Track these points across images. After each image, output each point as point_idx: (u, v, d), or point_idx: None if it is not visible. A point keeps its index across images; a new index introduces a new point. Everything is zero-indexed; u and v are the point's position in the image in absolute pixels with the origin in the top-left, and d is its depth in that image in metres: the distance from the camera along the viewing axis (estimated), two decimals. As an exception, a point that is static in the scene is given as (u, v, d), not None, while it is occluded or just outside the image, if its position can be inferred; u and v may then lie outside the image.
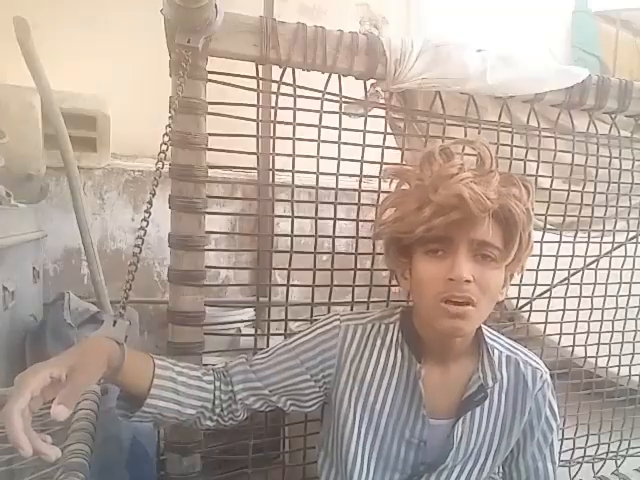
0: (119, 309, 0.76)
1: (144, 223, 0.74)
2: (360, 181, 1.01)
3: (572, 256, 1.19)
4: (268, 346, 0.87)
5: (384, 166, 0.99)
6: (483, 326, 0.79)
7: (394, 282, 1.05)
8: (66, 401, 0.52)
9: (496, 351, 0.78)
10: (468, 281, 0.65)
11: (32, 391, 0.51)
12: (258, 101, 0.92)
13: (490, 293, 0.68)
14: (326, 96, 0.94)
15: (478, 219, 0.65)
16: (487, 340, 0.78)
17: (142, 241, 0.75)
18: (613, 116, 1.16)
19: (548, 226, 1.15)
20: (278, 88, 0.91)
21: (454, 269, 0.65)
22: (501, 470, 0.87)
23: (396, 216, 0.72)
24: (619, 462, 1.38)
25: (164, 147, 0.76)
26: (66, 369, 0.55)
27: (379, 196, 1.02)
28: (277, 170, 0.95)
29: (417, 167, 0.73)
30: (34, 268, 1.48)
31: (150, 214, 0.75)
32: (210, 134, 0.87)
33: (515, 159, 1.07)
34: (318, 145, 0.95)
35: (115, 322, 0.70)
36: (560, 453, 1.28)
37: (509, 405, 0.78)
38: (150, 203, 0.75)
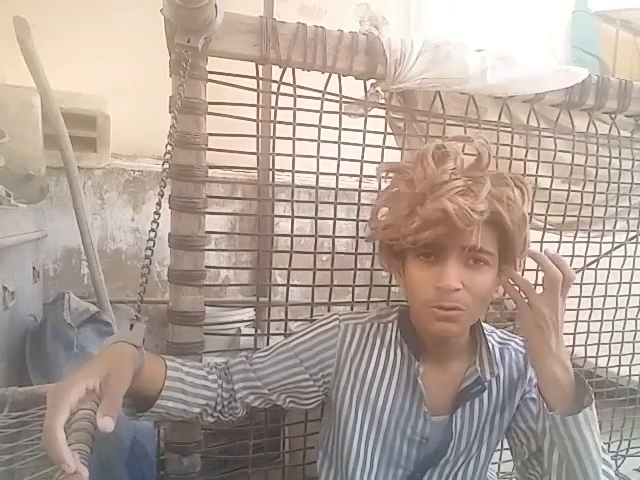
0: (135, 312, 0.76)
1: (154, 225, 0.74)
2: (360, 181, 1.01)
3: (572, 256, 1.19)
4: (269, 345, 0.87)
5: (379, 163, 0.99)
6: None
7: (394, 282, 1.05)
8: (110, 413, 0.52)
9: (490, 345, 0.79)
10: (457, 289, 0.65)
11: (70, 405, 0.51)
12: (258, 101, 0.92)
13: (481, 297, 0.68)
14: (326, 96, 0.94)
15: (467, 229, 0.64)
16: (485, 335, 0.79)
17: (154, 243, 0.75)
18: (613, 116, 1.16)
19: (548, 226, 1.15)
20: (278, 88, 0.91)
21: (443, 278, 0.65)
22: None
23: (387, 222, 0.72)
24: (619, 462, 1.38)
25: (169, 148, 0.76)
26: (100, 379, 0.55)
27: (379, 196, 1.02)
28: (277, 170, 0.95)
29: (411, 165, 0.71)
30: (34, 268, 1.48)
31: (159, 215, 0.75)
32: (210, 134, 0.87)
33: (515, 159, 1.07)
34: (318, 145, 0.95)
35: (132, 326, 0.70)
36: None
37: (505, 394, 0.79)
38: (159, 204, 0.75)
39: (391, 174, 0.77)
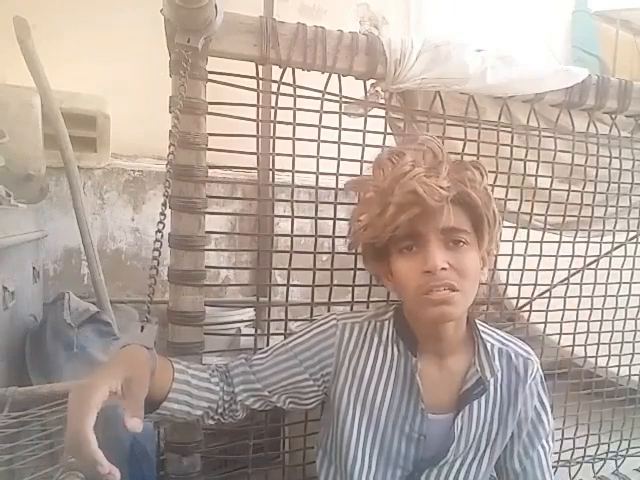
0: (145, 314, 0.76)
1: (160, 226, 0.75)
2: (360, 181, 1.01)
3: (572, 256, 1.19)
4: (268, 346, 0.87)
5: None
6: (477, 321, 0.81)
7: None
8: (137, 414, 0.53)
9: (489, 344, 0.79)
10: (444, 269, 0.67)
11: (97, 408, 0.51)
12: (258, 101, 0.92)
13: (469, 276, 0.70)
14: (326, 96, 0.94)
15: (438, 209, 0.67)
16: (481, 334, 0.79)
17: (161, 244, 0.75)
18: (613, 116, 1.16)
19: (548, 226, 1.15)
20: (278, 88, 0.91)
21: (428, 261, 0.67)
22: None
23: (364, 224, 0.74)
24: (619, 462, 1.38)
25: (172, 148, 0.76)
26: (121, 381, 0.56)
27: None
28: (277, 170, 0.95)
29: (371, 175, 0.76)
30: (34, 268, 1.48)
31: (165, 216, 0.76)
32: (210, 134, 0.87)
33: (515, 159, 1.07)
34: (318, 145, 0.95)
35: (142, 328, 0.70)
36: (560, 453, 1.29)
37: (504, 396, 0.79)
38: (164, 205, 0.76)
39: (358, 188, 0.81)
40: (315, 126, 0.94)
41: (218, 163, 0.96)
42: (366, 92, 0.97)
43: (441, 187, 0.66)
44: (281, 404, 0.82)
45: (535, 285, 1.18)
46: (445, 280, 0.67)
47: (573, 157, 1.14)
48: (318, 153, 0.95)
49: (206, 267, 0.90)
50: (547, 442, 0.82)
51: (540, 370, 0.82)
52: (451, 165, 0.71)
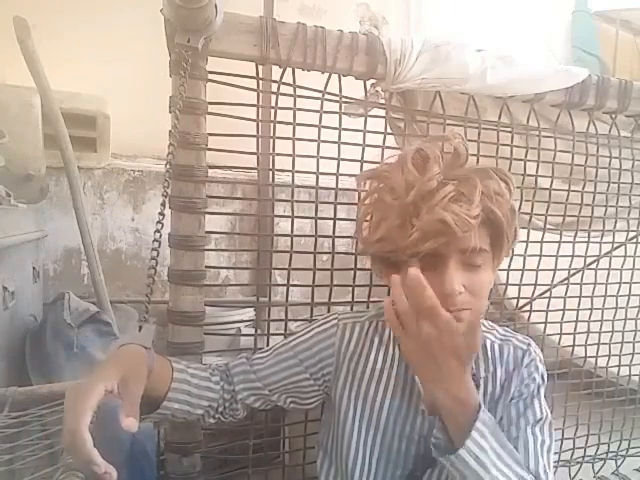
0: (143, 314, 0.77)
1: (159, 226, 0.75)
2: (360, 181, 1.01)
3: (572, 256, 1.19)
4: (268, 346, 0.87)
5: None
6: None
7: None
8: (132, 414, 0.53)
9: (488, 342, 0.78)
10: (460, 293, 0.65)
11: (92, 407, 0.52)
12: (258, 101, 0.92)
13: (482, 295, 0.69)
14: (326, 96, 0.94)
15: (465, 235, 0.63)
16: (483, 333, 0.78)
17: (159, 244, 0.76)
18: (613, 116, 1.16)
19: (548, 226, 1.15)
20: (278, 88, 0.91)
21: (446, 284, 0.64)
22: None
23: (380, 235, 0.70)
24: (619, 462, 1.38)
25: (172, 148, 0.77)
26: (117, 381, 0.56)
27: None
28: (277, 170, 0.95)
29: (390, 172, 0.69)
30: (34, 268, 1.48)
31: (164, 216, 0.76)
32: (210, 134, 0.87)
33: (515, 159, 1.07)
34: (318, 145, 0.95)
35: (140, 327, 0.70)
36: (560, 453, 1.29)
37: (501, 390, 0.77)
38: (164, 205, 0.76)
39: (373, 182, 0.75)
40: (315, 126, 0.94)
41: (218, 163, 0.96)
42: (366, 92, 0.97)
43: (471, 217, 0.62)
44: (282, 403, 0.82)
45: (535, 285, 1.18)
46: (459, 305, 0.66)
47: (573, 157, 1.14)
48: (318, 153, 0.95)
49: (206, 267, 0.90)
50: (539, 431, 0.74)
51: (538, 358, 0.78)
52: (478, 175, 0.66)
